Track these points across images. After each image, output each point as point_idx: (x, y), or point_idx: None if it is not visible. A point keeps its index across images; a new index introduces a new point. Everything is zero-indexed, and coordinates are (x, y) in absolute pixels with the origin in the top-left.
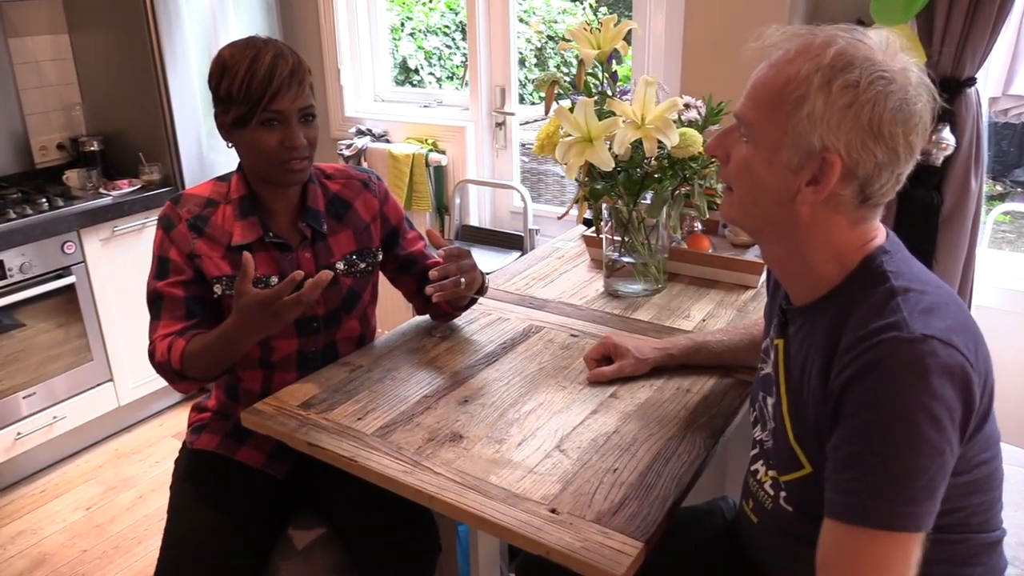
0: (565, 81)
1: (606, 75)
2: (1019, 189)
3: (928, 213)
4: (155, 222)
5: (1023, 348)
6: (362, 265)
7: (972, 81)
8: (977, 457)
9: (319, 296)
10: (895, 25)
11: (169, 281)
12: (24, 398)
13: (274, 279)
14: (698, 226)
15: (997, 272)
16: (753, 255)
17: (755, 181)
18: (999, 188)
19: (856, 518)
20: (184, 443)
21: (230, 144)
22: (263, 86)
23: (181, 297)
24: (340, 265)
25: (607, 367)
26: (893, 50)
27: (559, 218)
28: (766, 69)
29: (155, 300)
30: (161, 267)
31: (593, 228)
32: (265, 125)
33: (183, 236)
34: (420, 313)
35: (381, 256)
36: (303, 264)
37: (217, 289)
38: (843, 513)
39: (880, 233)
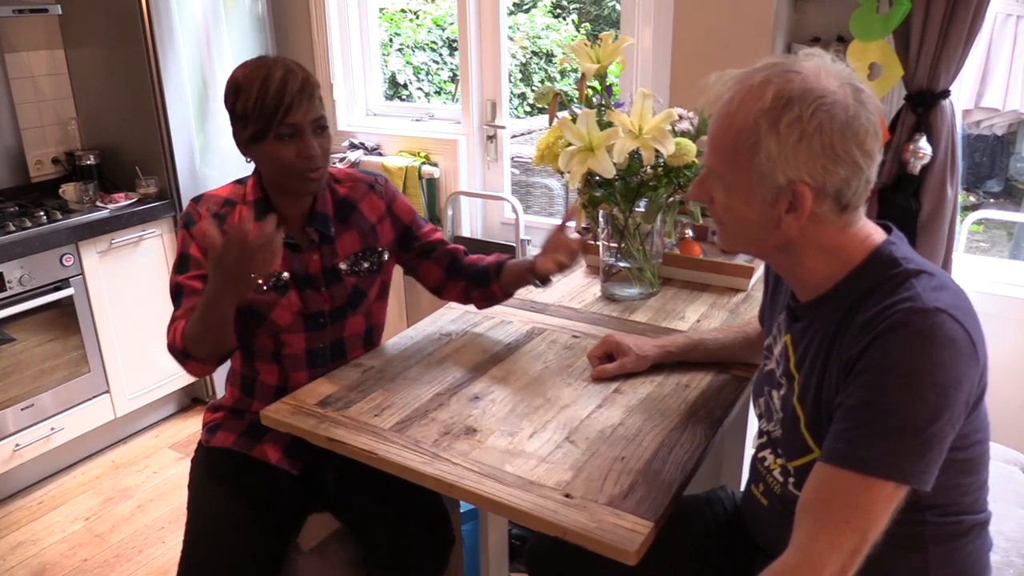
0: (565, 95)
1: (602, 88)
2: (991, 200)
3: (907, 219)
4: (152, 234)
5: (999, 349)
6: (366, 264)
7: (947, 93)
8: (973, 435)
9: (326, 293)
10: (873, 40)
11: (190, 275)
12: (22, 410)
13: (285, 274)
14: (689, 233)
15: (972, 276)
16: (742, 259)
17: (740, 219)
18: (972, 199)
19: (844, 462)
20: (200, 442)
21: (248, 159)
22: (276, 101)
23: (200, 288)
24: (343, 265)
25: (610, 364)
26: (827, 71)
27: (559, 225)
28: (717, 121)
29: (176, 292)
30: (183, 263)
31: (590, 235)
32: (281, 139)
33: (202, 232)
34: (448, 297)
35: (387, 256)
36: (311, 265)
37: None
38: (832, 457)
39: (878, 230)
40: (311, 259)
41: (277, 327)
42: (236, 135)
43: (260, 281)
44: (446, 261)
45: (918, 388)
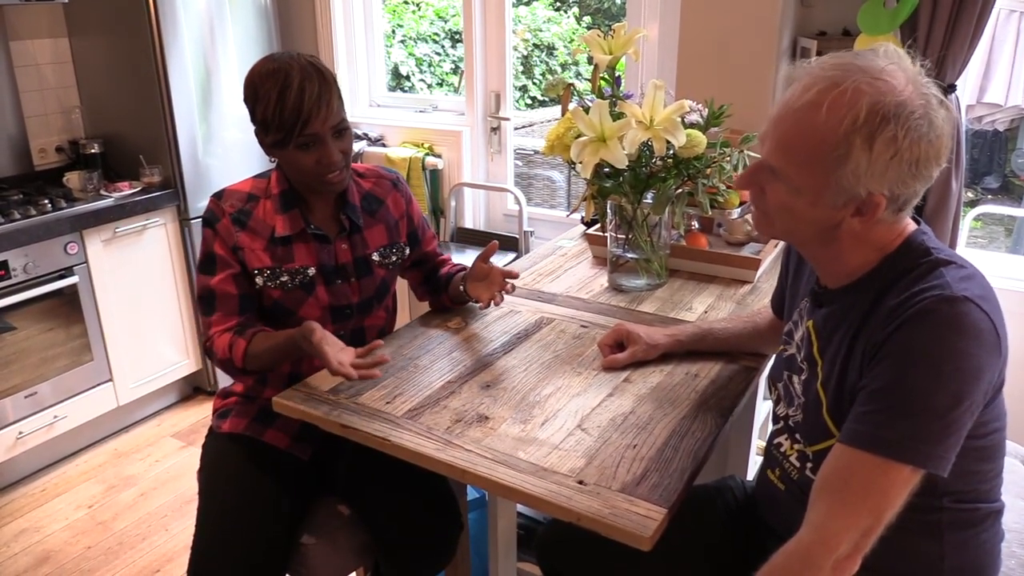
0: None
1: (611, 79)
2: (988, 196)
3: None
4: (156, 223)
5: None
6: (393, 258)
7: (952, 88)
8: (991, 424)
9: (355, 285)
10: (880, 35)
11: (221, 277)
12: (25, 398)
13: (311, 270)
14: (695, 224)
15: None
16: (749, 251)
17: (798, 217)
18: (970, 195)
19: (864, 444)
20: (211, 428)
21: (272, 159)
22: (294, 114)
23: (235, 295)
24: (375, 256)
25: (620, 354)
26: (913, 80)
27: (567, 215)
28: (795, 122)
29: (207, 296)
30: (209, 263)
31: (595, 227)
32: (301, 148)
33: (227, 229)
34: (421, 299)
35: (408, 251)
36: (340, 254)
37: (259, 280)
38: (853, 439)
39: (908, 220)
40: (340, 248)
41: (304, 321)
42: (257, 135)
43: (285, 278)
44: (428, 270)
45: (941, 374)
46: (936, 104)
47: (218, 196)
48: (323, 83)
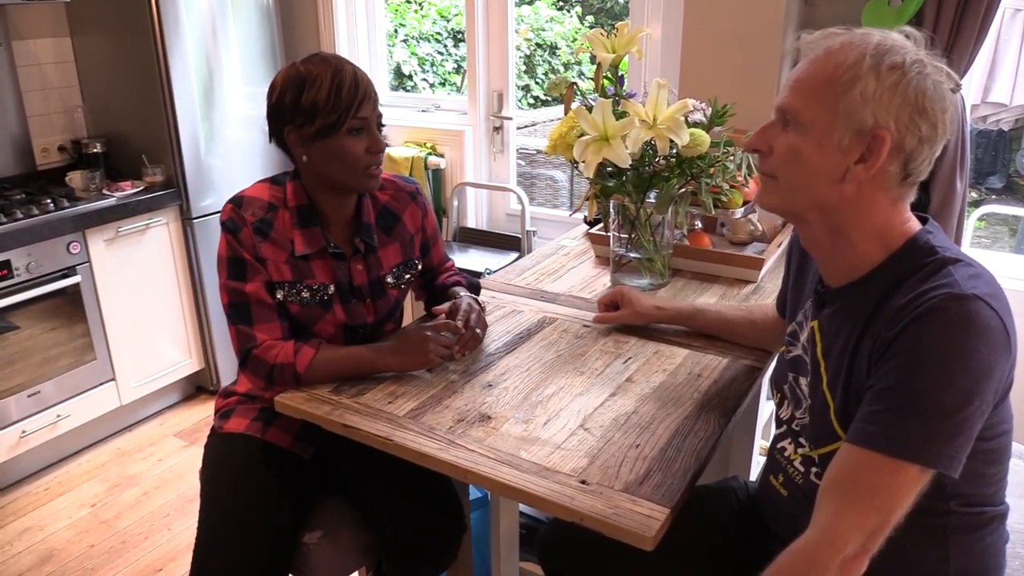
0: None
1: (613, 78)
2: (992, 196)
3: (916, 211)
4: (159, 223)
5: None
6: (407, 276)
7: (957, 87)
8: (999, 426)
9: (370, 306)
10: None
11: (256, 285)
12: (28, 397)
13: (331, 287)
14: (698, 224)
15: None
16: (752, 251)
17: (803, 165)
18: (974, 195)
19: (872, 443)
20: (213, 428)
21: (304, 158)
22: (351, 94)
23: (271, 303)
24: (390, 279)
25: (611, 313)
26: (919, 46)
27: (570, 215)
28: (809, 64)
29: (242, 304)
30: (238, 269)
31: (598, 226)
32: (353, 132)
33: (250, 239)
34: (418, 299)
35: (420, 265)
36: (355, 275)
37: (279, 295)
38: (861, 439)
39: (914, 219)
40: (355, 269)
41: (319, 338)
42: (291, 133)
43: (306, 294)
44: (429, 278)
45: (950, 373)
46: (939, 69)
47: (237, 203)
48: (369, 78)
